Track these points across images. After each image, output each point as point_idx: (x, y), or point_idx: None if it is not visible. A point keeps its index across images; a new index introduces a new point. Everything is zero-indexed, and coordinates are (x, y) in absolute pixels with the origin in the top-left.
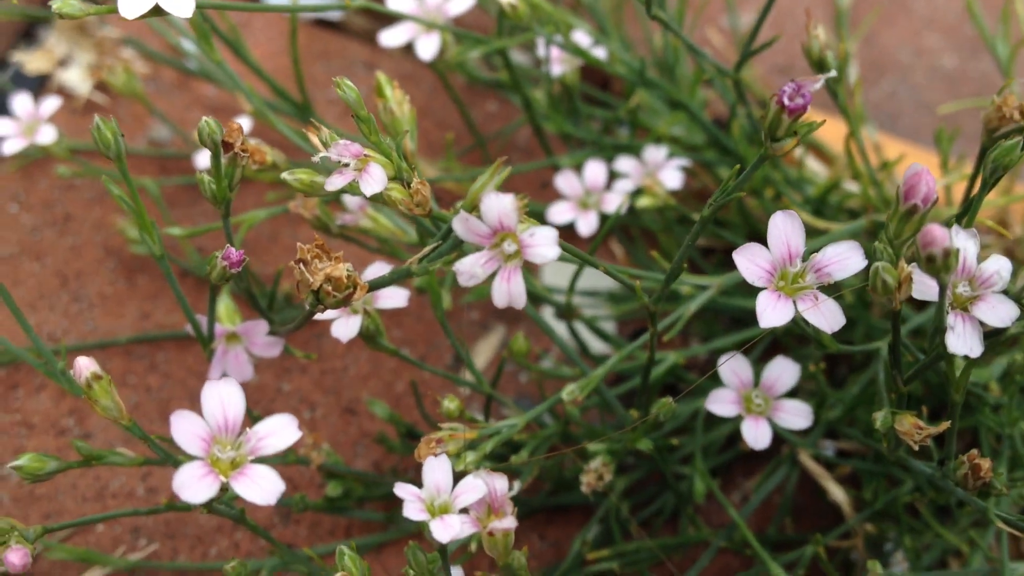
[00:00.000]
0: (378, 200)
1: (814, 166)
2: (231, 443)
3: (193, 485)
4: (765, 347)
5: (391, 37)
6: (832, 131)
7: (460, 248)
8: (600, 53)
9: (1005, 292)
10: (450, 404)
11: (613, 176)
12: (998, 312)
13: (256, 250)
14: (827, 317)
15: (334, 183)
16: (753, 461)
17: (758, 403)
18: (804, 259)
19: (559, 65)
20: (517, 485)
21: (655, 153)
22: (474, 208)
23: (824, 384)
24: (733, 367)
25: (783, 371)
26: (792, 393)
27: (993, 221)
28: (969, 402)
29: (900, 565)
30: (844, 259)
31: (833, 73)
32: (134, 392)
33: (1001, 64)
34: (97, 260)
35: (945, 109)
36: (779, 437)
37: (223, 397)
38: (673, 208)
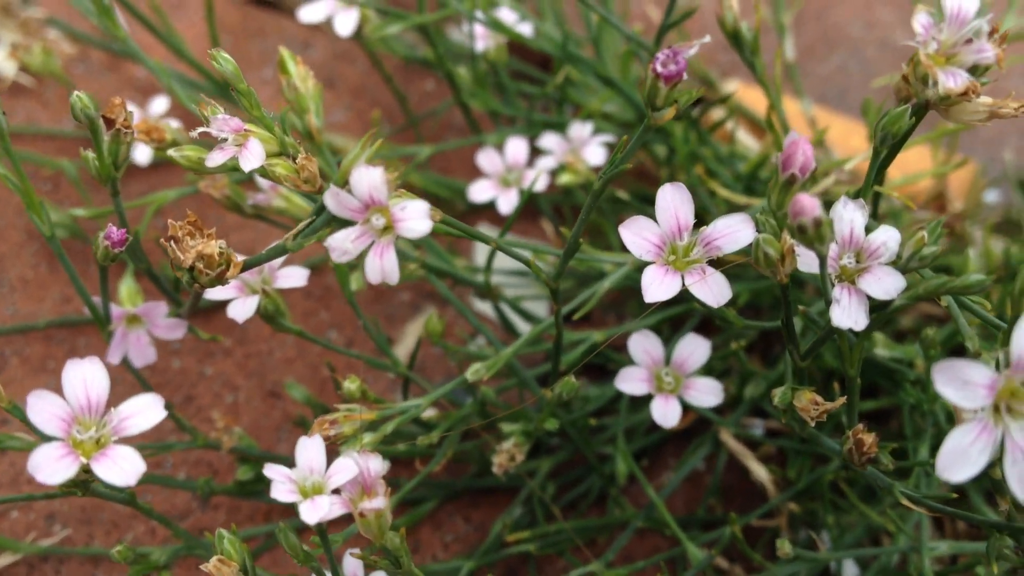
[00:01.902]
0: (263, 176)
1: (748, 140)
2: (95, 424)
3: (49, 466)
4: (695, 325)
5: (310, 13)
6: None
7: (335, 223)
8: (525, 29)
9: (893, 263)
10: (351, 385)
11: (540, 153)
12: (883, 284)
13: None
14: (713, 291)
15: (214, 159)
16: (684, 441)
17: (668, 381)
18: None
19: (483, 41)
20: (386, 464)
21: (580, 129)
22: (347, 183)
23: (745, 362)
24: (644, 345)
25: (695, 348)
26: (705, 370)
27: (931, 196)
28: (894, 379)
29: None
30: (734, 232)
31: (707, 39)
32: (53, 377)
33: None
34: (19, 244)
35: (880, 82)
36: (708, 417)
37: (86, 377)
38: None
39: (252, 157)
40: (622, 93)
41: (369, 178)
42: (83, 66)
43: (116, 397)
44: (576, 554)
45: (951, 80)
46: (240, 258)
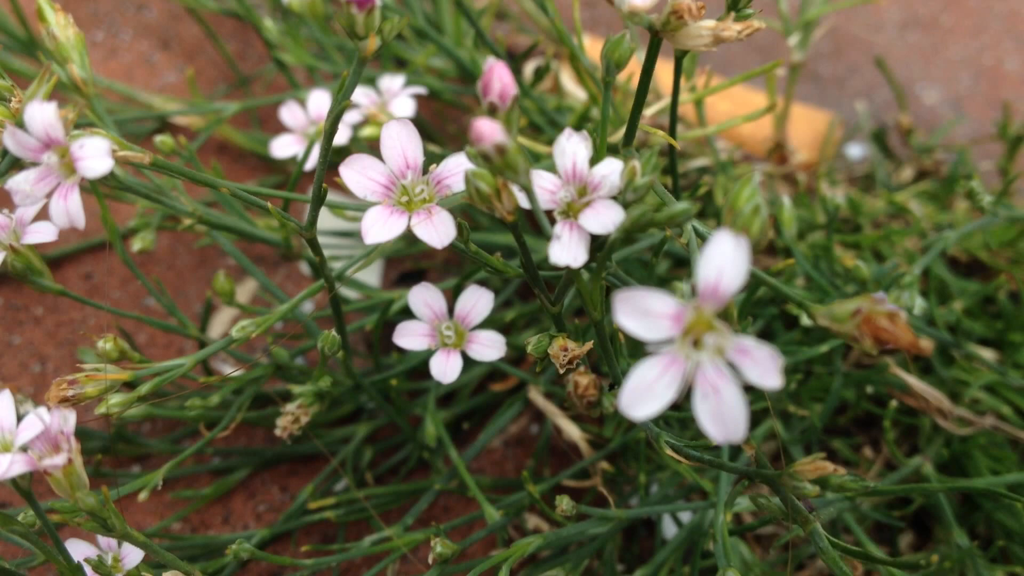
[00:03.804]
0: None
1: (580, 93)
2: None
3: None
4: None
5: None
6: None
7: (18, 165)
8: None
9: (615, 197)
10: (105, 344)
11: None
12: (601, 218)
13: None
14: (438, 230)
15: None
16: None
17: (448, 335)
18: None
19: None
20: (71, 420)
21: (390, 82)
22: None
23: (557, 317)
24: (425, 298)
25: (477, 300)
26: (486, 323)
27: (772, 146)
28: None
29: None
30: (464, 170)
31: None
32: None
33: None
34: None
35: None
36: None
37: None
38: None
39: None
40: (438, 44)
41: (42, 115)
42: None
43: None
44: (384, 519)
45: None
46: None
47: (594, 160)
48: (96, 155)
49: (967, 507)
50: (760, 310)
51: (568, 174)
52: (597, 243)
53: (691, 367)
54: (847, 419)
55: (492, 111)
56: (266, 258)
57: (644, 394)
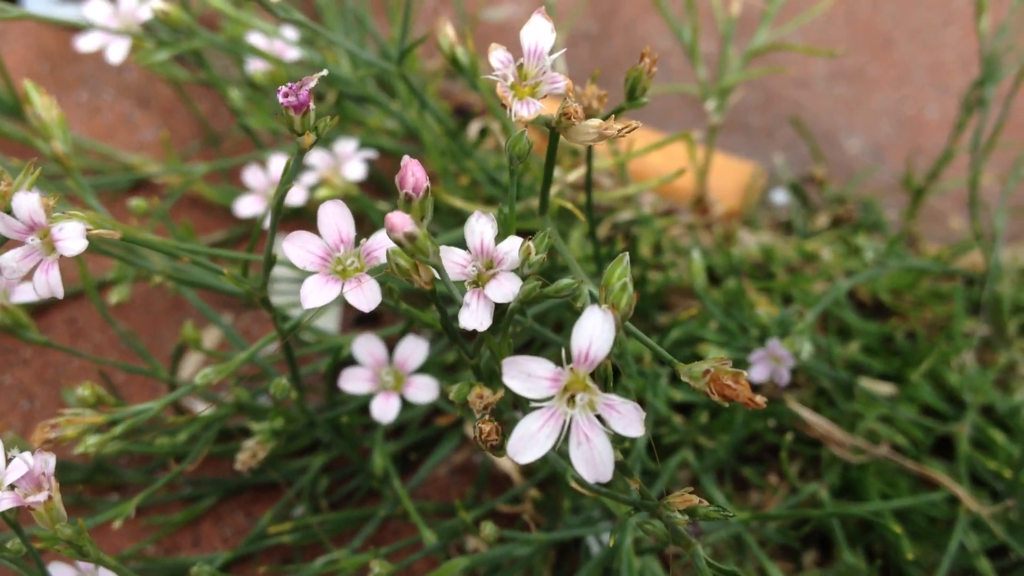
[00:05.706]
0: None
1: None
2: None
3: None
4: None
5: (85, 43)
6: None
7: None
8: (291, 55)
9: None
10: (84, 391)
11: (309, 170)
12: (503, 289)
13: None
14: (366, 296)
15: None
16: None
17: (388, 380)
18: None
19: (255, 63)
20: (52, 461)
21: (345, 145)
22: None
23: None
24: (367, 347)
25: (414, 349)
26: (423, 368)
27: (693, 200)
28: (621, 370)
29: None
30: (389, 243)
31: (323, 73)
32: None
33: (685, 47)
34: None
35: (665, 90)
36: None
37: None
38: (355, 199)
39: None
40: (387, 110)
41: (28, 203)
42: None
43: None
44: (336, 543)
45: (524, 109)
46: None
47: (503, 235)
48: (72, 237)
49: (864, 528)
50: (676, 351)
51: (477, 250)
52: (501, 309)
53: (568, 419)
54: (757, 448)
55: (408, 201)
56: (235, 302)
57: (528, 442)
